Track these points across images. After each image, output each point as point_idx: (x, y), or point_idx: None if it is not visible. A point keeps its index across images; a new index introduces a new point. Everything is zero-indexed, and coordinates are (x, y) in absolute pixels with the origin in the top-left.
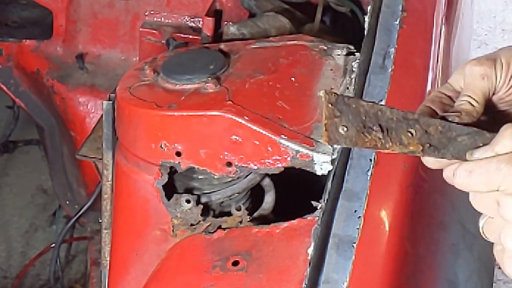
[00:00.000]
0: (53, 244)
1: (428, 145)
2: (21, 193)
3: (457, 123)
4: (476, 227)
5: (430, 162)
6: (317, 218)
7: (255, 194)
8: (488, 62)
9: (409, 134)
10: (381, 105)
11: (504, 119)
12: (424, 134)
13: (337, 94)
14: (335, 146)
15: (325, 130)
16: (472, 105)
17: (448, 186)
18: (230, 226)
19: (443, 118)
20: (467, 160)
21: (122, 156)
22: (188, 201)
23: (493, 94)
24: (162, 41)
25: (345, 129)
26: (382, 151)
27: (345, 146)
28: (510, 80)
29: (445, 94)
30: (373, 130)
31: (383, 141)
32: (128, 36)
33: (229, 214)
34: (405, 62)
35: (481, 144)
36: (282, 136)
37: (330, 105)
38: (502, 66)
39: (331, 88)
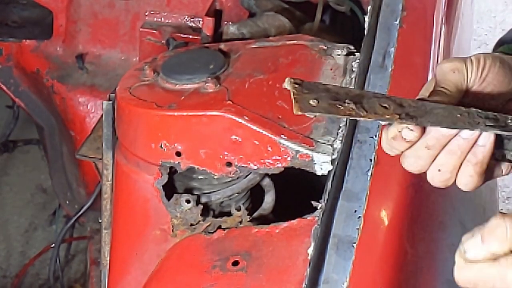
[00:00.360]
0: (53, 244)
1: (405, 114)
2: (20, 192)
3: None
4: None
5: (410, 163)
6: (317, 218)
7: (255, 194)
8: (458, 59)
9: (383, 107)
10: (346, 87)
11: None
12: (398, 107)
13: (302, 81)
14: (334, 146)
15: (295, 101)
16: (446, 93)
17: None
18: (230, 226)
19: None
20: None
21: (122, 156)
22: (188, 201)
23: (466, 90)
24: (162, 41)
25: (316, 101)
26: (357, 118)
27: (318, 114)
28: (482, 73)
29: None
30: (345, 102)
31: (357, 111)
32: (128, 36)
33: (229, 214)
34: (405, 62)
35: (459, 115)
36: (282, 136)
37: (296, 85)
38: (472, 61)
39: None
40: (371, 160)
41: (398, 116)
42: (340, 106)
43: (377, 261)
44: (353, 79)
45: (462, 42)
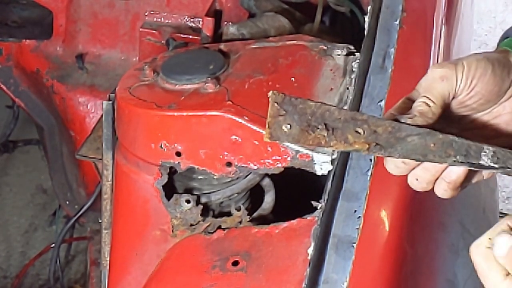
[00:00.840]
0: (53, 244)
1: (375, 143)
2: (21, 192)
3: (410, 125)
4: (476, 227)
5: (391, 168)
6: (316, 218)
7: (255, 194)
8: (449, 64)
9: (356, 133)
10: (330, 105)
11: (464, 125)
12: (372, 133)
13: (284, 95)
14: None
15: (268, 127)
16: (428, 105)
17: None
18: (230, 226)
19: (397, 120)
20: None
21: (122, 156)
22: (188, 201)
23: (453, 97)
24: (162, 41)
25: (289, 126)
26: (326, 148)
27: (287, 143)
28: (471, 83)
29: (411, 100)
30: (317, 128)
31: (327, 139)
32: (128, 36)
33: (228, 214)
34: (405, 63)
35: (432, 144)
36: None
37: (275, 104)
38: (464, 68)
39: (331, 89)
40: (371, 160)
41: (367, 147)
42: (311, 133)
43: (377, 261)
44: (353, 80)
45: (462, 42)
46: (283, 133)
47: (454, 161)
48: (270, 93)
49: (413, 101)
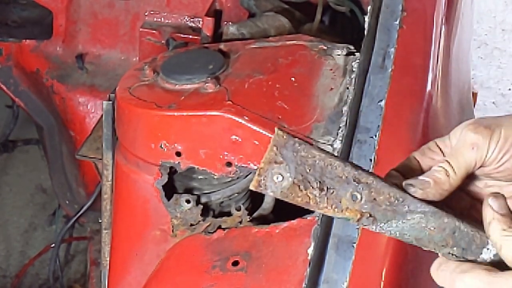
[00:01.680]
0: (53, 244)
1: (368, 215)
2: (20, 192)
3: (417, 198)
4: None
5: None
6: (317, 218)
7: (255, 194)
8: (485, 130)
9: (352, 199)
10: (337, 158)
11: (478, 198)
12: (370, 201)
13: (289, 137)
14: (334, 146)
15: (258, 174)
16: (447, 175)
17: None
18: (230, 226)
19: (404, 186)
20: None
21: (122, 156)
22: (188, 201)
23: (480, 167)
24: (162, 41)
25: (280, 178)
26: (313, 208)
27: (272, 195)
28: (503, 156)
29: (440, 149)
30: (310, 185)
31: (318, 200)
32: (128, 36)
33: (229, 214)
34: (405, 62)
35: (432, 228)
36: None
37: (275, 148)
38: (499, 139)
39: (331, 88)
40: (371, 160)
41: (358, 217)
42: (302, 190)
43: (377, 261)
44: (353, 80)
45: (462, 42)
46: (273, 184)
47: (449, 253)
48: (276, 130)
49: (440, 149)
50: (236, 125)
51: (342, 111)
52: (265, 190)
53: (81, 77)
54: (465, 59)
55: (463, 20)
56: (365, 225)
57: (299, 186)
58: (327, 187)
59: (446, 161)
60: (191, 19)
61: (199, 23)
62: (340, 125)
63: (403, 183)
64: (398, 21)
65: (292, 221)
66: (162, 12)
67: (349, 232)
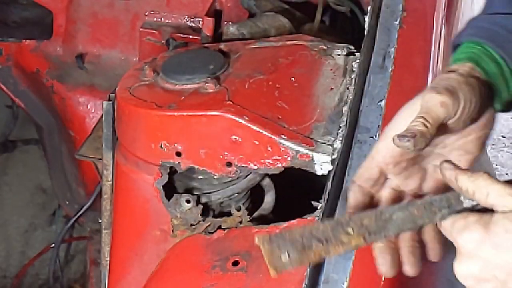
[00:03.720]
0: (53, 244)
1: (368, 233)
2: (20, 192)
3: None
4: None
5: None
6: (317, 218)
7: (255, 194)
8: (449, 93)
9: (347, 234)
10: (312, 224)
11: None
12: (360, 227)
13: (270, 235)
14: (334, 146)
15: (270, 265)
16: (426, 126)
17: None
18: (230, 226)
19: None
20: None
21: (122, 156)
22: (188, 201)
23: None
24: (162, 41)
25: (287, 255)
26: (329, 256)
27: (293, 268)
28: (462, 114)
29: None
30: (312, 245)
31: (326, 249)
32: (128, 36)
33: (229, 214)
34: (405, 62)
35: (416, 211)
36: (282, 136)
37: (265, 245)
38: (460, 102)
39: (331, 88)
40: None
41: (363, 240)
42: (309, 251)
43: None
44: (353, 80)
45: None
46: (286, 263)
47: (442, 215)
48: (256, 239)
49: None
50: (236, 125)
51: (342, 111)
52: (284, 269)
53: (81, 77)
54: None
55: (463, 20)
56: (372, 240)
57: (305, 251)
58: (325, 239)
59: (420, 116)
60: (191, 19)
61: (199, 23)
62: (340, 125)
63: (394, 137)
64: (398, 21)
65: (292, 221)
66: (162, 12)
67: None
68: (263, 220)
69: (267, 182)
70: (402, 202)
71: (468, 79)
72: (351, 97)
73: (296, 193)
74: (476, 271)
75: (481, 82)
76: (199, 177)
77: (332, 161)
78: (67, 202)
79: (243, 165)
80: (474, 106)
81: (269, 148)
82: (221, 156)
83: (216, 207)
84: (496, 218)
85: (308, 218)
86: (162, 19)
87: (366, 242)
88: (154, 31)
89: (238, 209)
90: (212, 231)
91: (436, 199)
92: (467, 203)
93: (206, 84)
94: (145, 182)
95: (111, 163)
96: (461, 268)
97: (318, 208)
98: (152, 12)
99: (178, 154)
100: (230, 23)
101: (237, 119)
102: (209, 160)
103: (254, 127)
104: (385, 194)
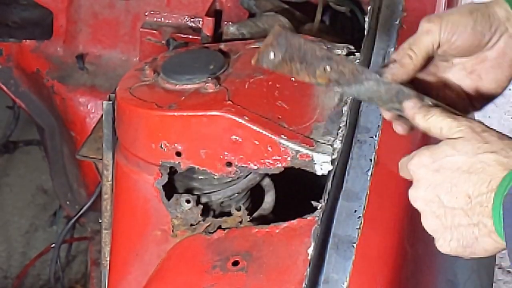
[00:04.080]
0: (54, 244)
1: (336, 81)
2: (21, 193)
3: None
4: None
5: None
6: (317, 218)
7: (255, 194)
8: (436, 19)
9: (324, 71)
10: (319, 44)
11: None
12: (337, 72)
13: (286, 30)
14: (334, 146)
15: (258, 53)
16: (410, 57)
17: None
18: (230, 226)
19: (380, 70)
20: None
21: (122, 156)
22: (188, 201)
23: (438, 47)
24: (162, 41)
25: (273, 55)
26: (295, 77)
27: (266, 67)
28: (451, 37)
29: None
30: (294, 61)
31: (298, 70)
32: (129, 36)
33: (229, 214)
34: None
35: (383, 90)
36: (282, 136)
37: (272, 36)
38: (448, 24)
39: None
40: (371, 160)
41: (327, 82)
42: (288, 64)
43: (377, 261)
44: None
45: None
46: (268, 60)
47: (392, 108)
48: (275, 27)
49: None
50: (236, 125)
51: (342, 111)
52: (261, 64)
53: (81, 78)
54: None
55: None
56: (333, 88)
57: (286, 61)
58: (306, 62)
59: (409, 48)
60: (191, 19)
61: (199, 23)
62: (340, 125)
63: (377, 70)
64: (398, 21)
65: (292, 221)
66: (162, 12)
67: (349, 232)
68: (263, 220)
69: (267, 182)
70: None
71: (479, 7)
72: (351, 97)
73: (296, 193)
74: (422, 193)
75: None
76: (199, 177)
77: (332, 161)
78: (68, 203)
79: (243, 165)
80: (467, 33)
81: (269, 148)
82: (221, 156)
83: (216, 207)
84: (440, 144)
85: (308, 218)
86: (162, 19)
87: (326, 86)
88: (154, 31)
89: (238, 209)
90: (212, 231)
91: (405, 92)
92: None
93: (206, 84)
94: (145, 182)
95: (112, 163)
96: (412, 192)
97: (318, 208)
98: (152, 12)
99: (178, 154)
100: (230, 23)
101: (237, 119)
102: (209, 160)
103: (254, 127)
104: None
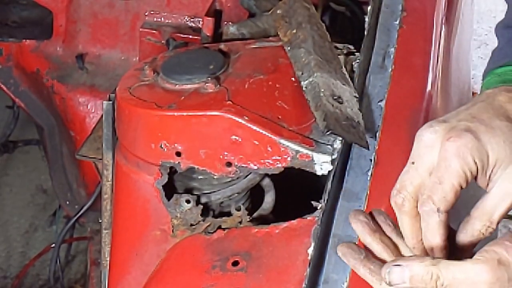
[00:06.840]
0: (53, 244)
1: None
2: (21, 193)
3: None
4: None
5: None
6: (317, 218)
7: (255, 194)
8: (438, 134)
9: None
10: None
11: None
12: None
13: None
14: (334, 146)
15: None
16: (416, 170)
17: None
18: (230, 226)
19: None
20: None
21: (122, 156)
22: (188, 201)
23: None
24: (162, 41)
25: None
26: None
27: None
28: (491, 172)
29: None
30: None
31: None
32: (128, 36)
33: (229, 214)
34: (405, 62)
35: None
36: (282, 136)
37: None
38: (489, 160)
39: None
40: (371, 160)
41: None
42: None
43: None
44: (353, 80)
45: (462, 42)
46: None
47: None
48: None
49: None
50: (236, 125)
51: None
52: None
53: (81, 77)
54: (465, 59)
55: (463, 20)
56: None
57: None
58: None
59: (412, 161)
60: (191, 19)
61: (199, 23)
62: None
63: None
64: (398, 21)
65: (292, 221)
66: (162, 12)
67: (349, 232)
68: (263, 220)
69: (267, 182)
70: None
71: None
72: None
73: (296, 193)
74: None
75: None
76: (199, 177)
77: (332, 161)
78: (68, 203)
79: (243, 165)
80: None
81: (269, 148)
82: (221, 156)
83: (216, 207)
84: None
85: (308, 218)
86: (162, 19)
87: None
88: (154, 31)
89: (238, 209)
90: (212, 231)
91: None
92: None
93: (206, 84)
94: (145, 182)
95: (111, 163)
96: None
97: (318, 208)
98: (152, 12)
99: (178, 154)
100: (230, 23)
101: (237, 119)
102: (209, 160)
103: (254, 127)
104: None
